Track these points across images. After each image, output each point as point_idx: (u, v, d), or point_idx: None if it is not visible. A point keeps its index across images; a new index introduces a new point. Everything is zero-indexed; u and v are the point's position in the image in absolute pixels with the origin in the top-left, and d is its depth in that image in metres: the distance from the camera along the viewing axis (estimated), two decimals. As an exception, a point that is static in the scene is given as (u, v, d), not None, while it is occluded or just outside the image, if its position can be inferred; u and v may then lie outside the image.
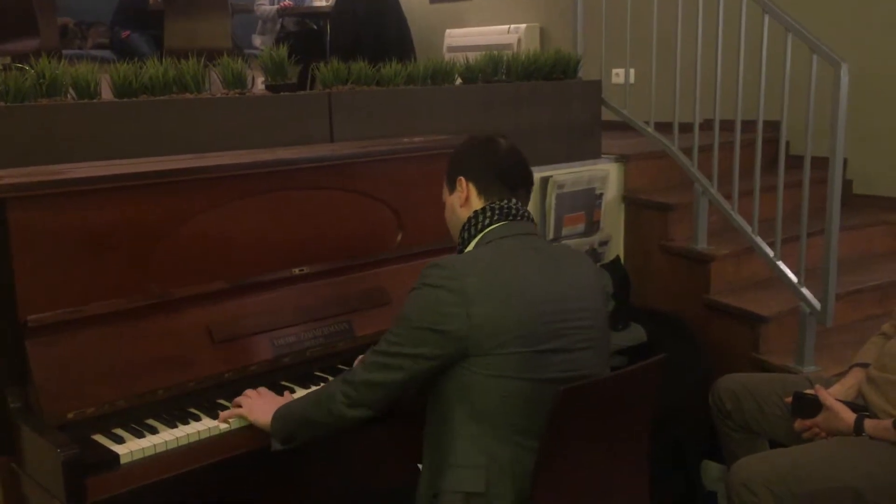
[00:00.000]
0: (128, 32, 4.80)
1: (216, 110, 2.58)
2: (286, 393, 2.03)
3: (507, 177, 1.86)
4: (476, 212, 1.84)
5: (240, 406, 1.93)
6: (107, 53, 4.64)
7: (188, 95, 2.57)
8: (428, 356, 1.70)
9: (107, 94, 2.53)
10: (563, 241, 3.37)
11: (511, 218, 1.82)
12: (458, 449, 1.70)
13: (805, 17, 3.00)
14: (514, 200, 1.85)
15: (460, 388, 1.70)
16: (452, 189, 1.91)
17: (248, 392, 1.97)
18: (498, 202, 1.83)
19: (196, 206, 2.05)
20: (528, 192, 1.91)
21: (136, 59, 2.61)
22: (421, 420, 1.82)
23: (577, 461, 1.71)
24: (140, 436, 1.81)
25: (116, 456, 1.73)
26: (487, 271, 1.70)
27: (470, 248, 1.83)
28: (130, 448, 1.75)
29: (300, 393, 2.04)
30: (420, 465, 1.82)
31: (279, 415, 1.85)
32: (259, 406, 1.91)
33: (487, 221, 1.82)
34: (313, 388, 2.07)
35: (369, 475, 2.36)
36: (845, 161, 3.91)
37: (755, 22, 3.01)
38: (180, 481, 1.79)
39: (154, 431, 1.83)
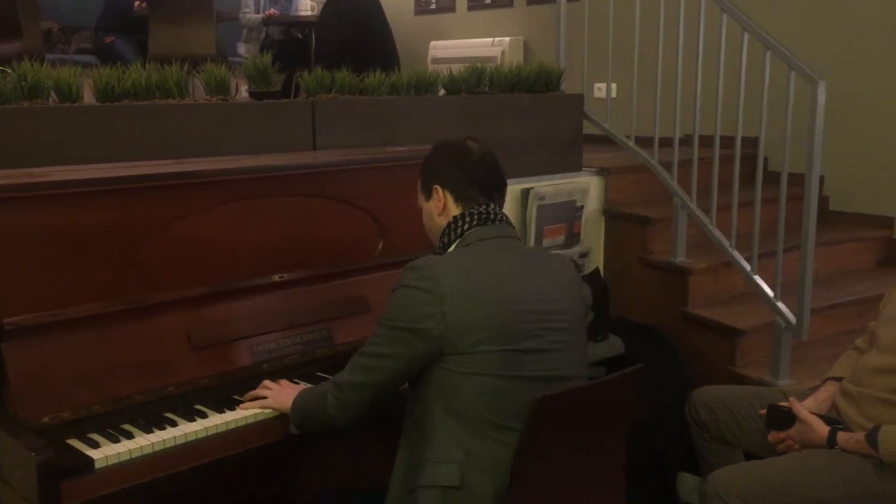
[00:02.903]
0: (112, 38, 4.78)
1: (199, 116, 2.58)
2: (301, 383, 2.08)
3: (481, 183, 1.90)
4: (455, 217, 1.89)
5: (261, 398, 1.99)
6: (90, 58, 4.62)
7: (171, 101, 2.57)
8: (406, 355, 1.74)
9: (89, 98, 2.53)
10: (544, 253, 3.39)
11: (489, 222, 1.87)
12: (435, 444, 1.73)
13: (784, 35, 3.04)
14: (490, 205, 1.89)
15: (438, 385, 1.73)
16: (428, 197, 1.95)
17: (267, 383, 2.03)
18: (476, 207, 1.88)
19: (176, 212, 2.05)
20: (503, 194, 1.96)
21: (119, 64, 2.61)
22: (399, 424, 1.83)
23: (553, 468, 1.72)
24: (115, 441, 1.80)
25: (91, 461, 1.72)
26: (463, 271, 1.74)
27: (450, 251, 1.87)
28: (105, 453, 1.75)
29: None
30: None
31: (295, 401, 1.93)
32: (283, 393, 1.98)
33: (466, 226, 1.87)
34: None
35: (351, 477, 2.36)
36: (822, 178, 3.96)
37: (735, 39, 3.05)
38: (156, 486, 1.78)
39: (130, 437, 1.82)
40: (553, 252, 2.05)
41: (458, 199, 1.90)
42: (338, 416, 1.84)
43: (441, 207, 1.91)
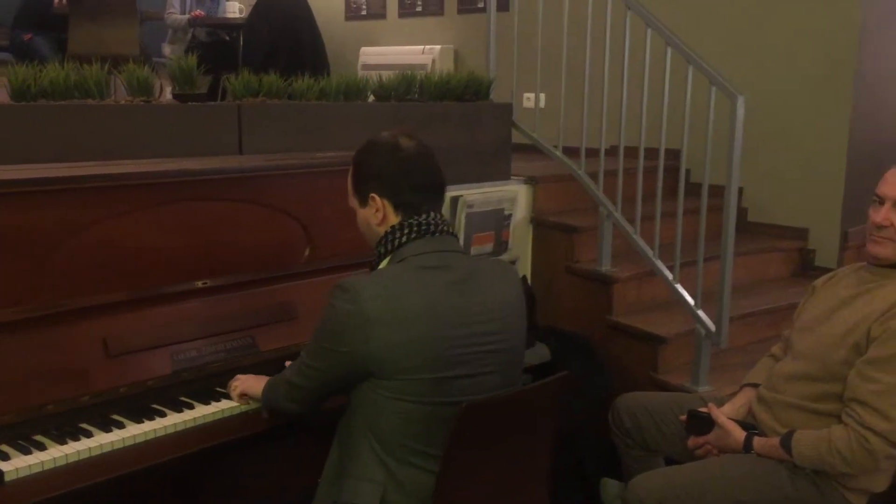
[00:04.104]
0: (30, 35, 4.64)
1: (120, 118, 2.52)
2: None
3: (420, 188, 1.79)
4: (393, 227, 1.78)
5: (236, 389, 2.05)
6: (6, 56, 4.48)
7: (90, 101, 2.50)
8: (333, 371, 1.74)
9: (3, 97, 2.44)
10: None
11: (429, 234, 1.76)
12: (359, 461, 1.71)
13: (706, 51, 3.13)
14: (431, 214, 1.78)
15: (364, 402, 1.71)
16: (364, 203, 1.82)
17: (239, 376, 2.07)
18: (415, 217, 1.77)
19: (95, 215, 1.99)
20: (443, 195, 1.85)
21: (36, 62, 2.53)
22: (321, 434, 1.82)
23: (477, 475, 1.72)
24: (27, 452, 1.73)
25: (1, 473, 1.65)
26: (392, 294, 1.66)
27: (383, 264, 1.79)
28: (16, 465, 1.68)
29: (200, 409, 2.00)
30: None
31: (265, 386, 1.96)
32: (255, 380, 2.03)
33: (404, 239, 1.76)
34: (214, 404, 2.03)
35: (272, 490, 2.32)
36: (741, 190, 4.08)
37: (659, 54, 3.13)
38: (71, 500, 1.72)
39: (42, 448, 1.75)
40: (497, 263, 2.00)
41: (398, 207, 1.78)
42: (288, 407, 1.88)
43: (381, 217, 1.78)
